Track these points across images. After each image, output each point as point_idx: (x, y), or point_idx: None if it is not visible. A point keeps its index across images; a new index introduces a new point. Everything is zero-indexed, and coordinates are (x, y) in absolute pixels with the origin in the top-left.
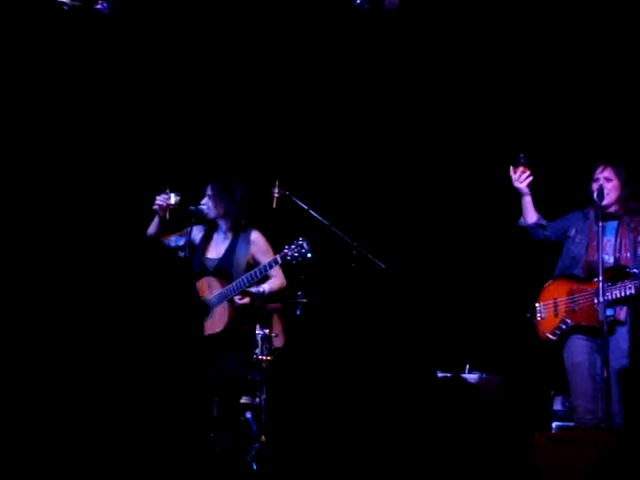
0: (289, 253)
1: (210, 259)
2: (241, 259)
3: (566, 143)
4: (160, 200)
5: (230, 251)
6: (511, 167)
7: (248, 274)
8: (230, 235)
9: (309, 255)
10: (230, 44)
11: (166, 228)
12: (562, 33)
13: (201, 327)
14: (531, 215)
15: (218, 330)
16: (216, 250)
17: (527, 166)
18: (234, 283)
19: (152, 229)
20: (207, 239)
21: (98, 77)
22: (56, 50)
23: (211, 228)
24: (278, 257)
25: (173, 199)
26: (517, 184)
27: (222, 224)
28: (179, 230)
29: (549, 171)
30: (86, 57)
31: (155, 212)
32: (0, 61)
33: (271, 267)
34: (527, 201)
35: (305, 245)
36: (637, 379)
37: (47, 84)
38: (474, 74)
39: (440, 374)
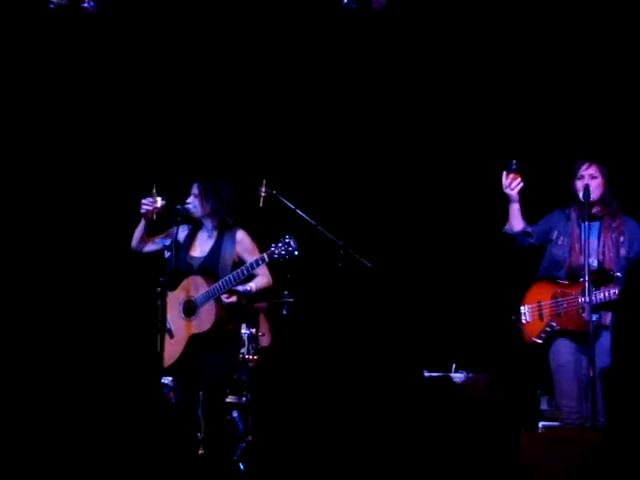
0: (276, 251)
1: (195, 257)
2: (227, 258)
3: (544, 141)
4: (146, 203)
5: (216, 250)
6: (504, 172)
7: (235, 272)
8: (215, 234)
9: (296, 253)
10: (218, 43)
11: (151, 230)
12: (541, 39)
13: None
14: (518, 222)
15: (205, 329)
16: (201, 249)
17: (519, 172)
18: (221, 281)
19: (138, 233)
20: (192, 238)
21: (85, 75)
22: (42, 48)
23: (196, 227)
24: (265, 255)
25: (159, 202)
26: (508, 190)
27: (207, 223)
28: (164, 231)
29: (527, 168)
30: (73, 56)
31: (141, 215)
32: None
33: (258, 265)
34: (515, 208)
35: (292, 243)
36: (618, 378)
37: (34, 82)
38: (458, 75)
39: (427, 374)
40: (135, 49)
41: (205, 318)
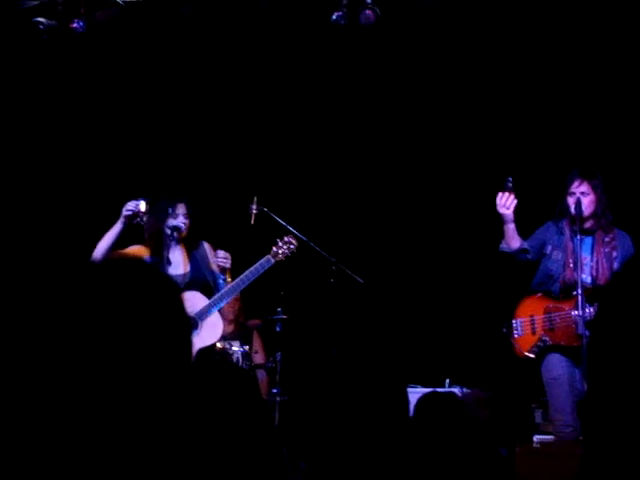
0: (279, 251)
1: (178, 275)
2: (209, 268)
3: (536, 152)
4: (131, 206)
5: (195, 264)
6: (499, 193)
7: (240, 279)
8: (181, 248)
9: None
10: (210, 62)
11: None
12: (533, 55)
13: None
14: (514, 241)
15: (213, 341)
16: (179, 265)
17: (513, 190)
18: (226, 290)
19: (109, 240)
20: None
21: (75, 95)
22: (32, 69)
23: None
24: (270, 256)
25: (143, 206)
26: (503, 210)
27: (176, 240)
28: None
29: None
30: (62, 76)
31: (119, 219)
32: None
33: (264, 268)
34: (511, 228)
35: (293, 241)
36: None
37: (24, 103)
38: (447, 95)
39: (413, 389)
40: (128, 66)
41: (211, 331)
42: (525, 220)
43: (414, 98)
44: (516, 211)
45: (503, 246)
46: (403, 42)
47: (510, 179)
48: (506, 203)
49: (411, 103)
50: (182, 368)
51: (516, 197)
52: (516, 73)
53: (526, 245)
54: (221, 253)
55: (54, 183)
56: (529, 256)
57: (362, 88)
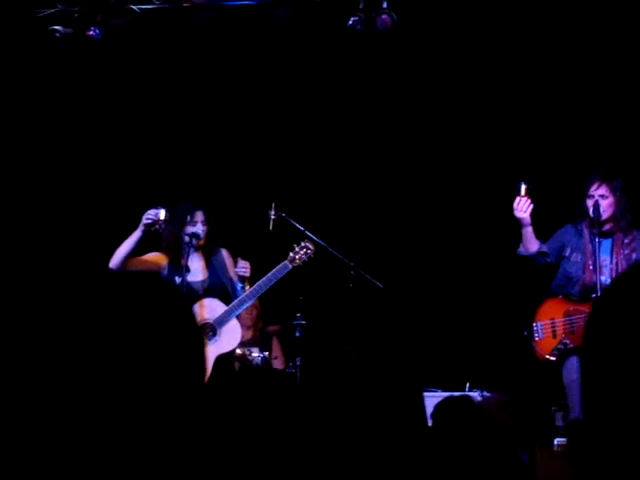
0: (297, 257)
1: (196, 282)
2: (228, 274)
3: (555, 153)
4: (151, 214)
5: (213, 271)
6: (517, 197)
7: (257, 285)
8: (200, 255)
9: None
10: (226, 69)
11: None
12: (549, 57)
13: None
14: (533, 244)
15: (232, 347)
16: (198, 272)
17: (528, 194)
18: (245, 295)
19: (127, 247)
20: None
21: (92, 103)
22: (49, 77)
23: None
24: (287, 262)
25: (163, 214)
26: (520, 214)
27: (194, 247)
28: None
29: (539, 183)
30: (78, 84)
31: (141, 226)
32: None
33: (281, 274)
34: (529, 231)
35: (310, 245)
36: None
37: (41, 111)
38: (463, 96)
39: (432, 394)
40: (143, 74)
41: (230, 337)
42: (546, 223)
43: (432, 102)
44: (536, 214)
45: (521, 250)
46: (419, 46)
47: (523, 183)
48: (522, 207)
49: (429, 107)
50: (195, 379)
51: (532, 201)
52: (536, 75)
53: (545, 248)
54: (241, 263)
55: (70, 190)
56: (548, 259)
57: (379, 93)
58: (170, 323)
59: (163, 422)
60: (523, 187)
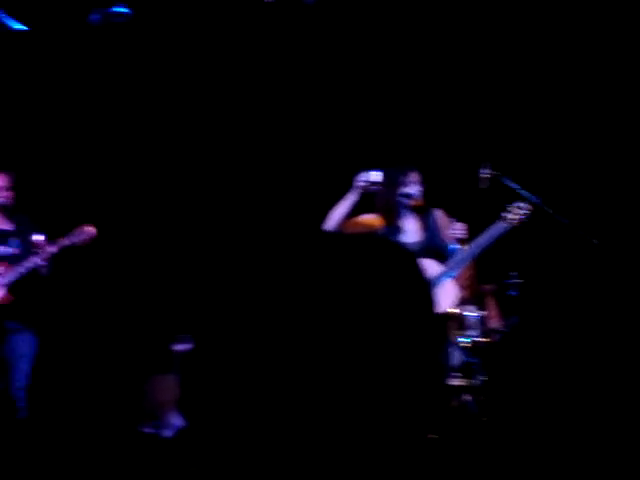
0: (514, 217)
1: (413, 243)
2: (443, 235)
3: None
4: (363, 177)
5: (429, 231)
6: None
7: (476, 243)
8: (415, 217)
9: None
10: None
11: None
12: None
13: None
14: None
15: (447, 308)
16: (411, 234)
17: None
18: (461, 256)
19: (343, 209)
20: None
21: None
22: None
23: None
24: (502, 222)
25: (375, 176)
26: None
27: (409, 208)
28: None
29: None
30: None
31: (354, 189)
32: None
33: (497, 234)
34: None
35: (525, 205)
36: None
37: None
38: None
39: None
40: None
41: (447, 297)
42: None
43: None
44: None
45: None
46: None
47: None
48: None
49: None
50: (428, 327)
51: None
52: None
53: None
54: (458, 225)
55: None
56: None
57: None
58: (401, 276)
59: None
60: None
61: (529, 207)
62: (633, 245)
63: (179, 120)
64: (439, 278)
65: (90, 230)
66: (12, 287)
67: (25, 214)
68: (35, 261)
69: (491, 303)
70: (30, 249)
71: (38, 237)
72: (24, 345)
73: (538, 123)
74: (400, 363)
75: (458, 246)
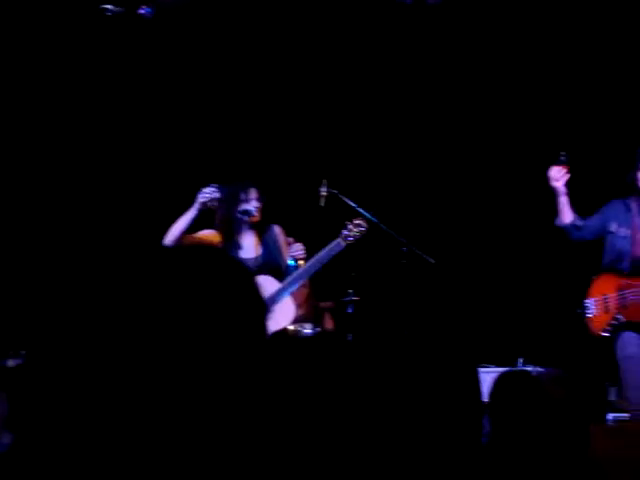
0: (350, 234)
1: (249, 259)
2: (280, 252)
3: (602, 131)
4: (207, 193)
5: (266, 247)
6: (552, 166)
7: (313, 261)
8: (252, 233)
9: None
10: (277, 44)
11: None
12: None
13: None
14: (567, 215)
15: (283, 325)
16: (250, 250)
17: (566, 164)
18: (298, 273)
19: (182, 224)
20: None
21: (141, 80)
22: (100, 57)
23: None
24: (340, 240)
25: (214, 193)
26: (554, 183)
27: (247, 225)
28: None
29: (583, 158)
30: (130, 63)
31: (196, 204)
32: (44, 66)
33: (334, 252)
34: (563, 201)
35: (362, 223)
36: None
37: (90, 88)
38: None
39: (486, 369)
40: (195, 52)
41: (283, 314)
42: (594, 201)
43: (479, 78)
44: (585, 193)
45: (557, 221)
46: (470, 21)
47: (564, 153)
48: (557, 176)
49: (475, 83)
50: (259, 348)
51: (569, 171)
52: (578, 44)
53: (579, 222)
54: (295, 245)
55: (126, 169)
56: (581, 233)
57: (429, 69)
58: (235, 292)
59: (229, 389)
60: (562, 158)
61: (366, 224)
62: (468, 264)
63: None
64: (276, 295)
65: None
66: None
67: None
68: None
69: (328, 321)
70: None
71: None
72: None
73: (375, 141)
74: (229, 382)
75: (295, 263)
